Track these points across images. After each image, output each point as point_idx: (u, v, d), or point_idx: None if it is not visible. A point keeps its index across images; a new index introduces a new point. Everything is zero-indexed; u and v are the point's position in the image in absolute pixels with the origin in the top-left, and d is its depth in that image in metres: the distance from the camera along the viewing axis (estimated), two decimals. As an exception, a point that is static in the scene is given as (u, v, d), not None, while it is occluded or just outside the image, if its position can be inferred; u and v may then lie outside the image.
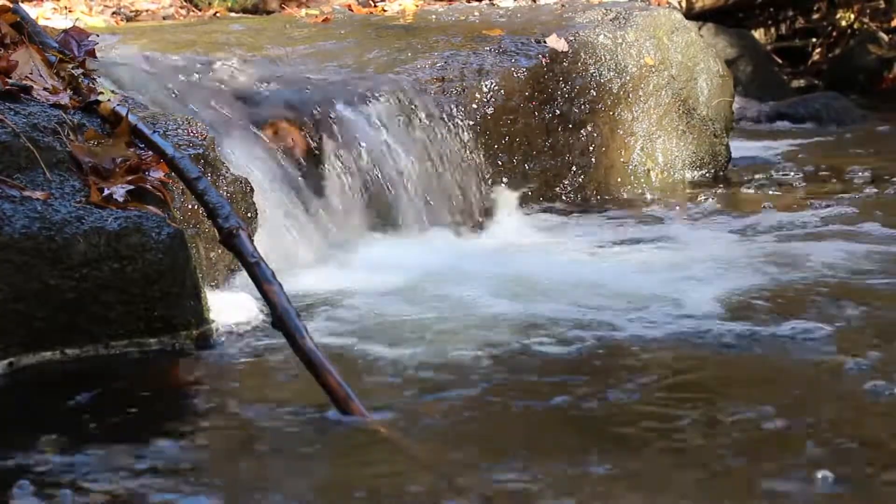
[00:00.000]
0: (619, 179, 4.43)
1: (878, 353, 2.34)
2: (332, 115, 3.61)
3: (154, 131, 2.74)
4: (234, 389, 2.33)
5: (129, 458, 1.89)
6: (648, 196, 4.41)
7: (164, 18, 6.35)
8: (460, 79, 4.01)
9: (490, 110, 4.01)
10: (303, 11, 5.90)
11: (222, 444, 2.01)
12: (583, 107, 4.32)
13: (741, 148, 5.47)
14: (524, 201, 4.07)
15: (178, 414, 2.14)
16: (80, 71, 2.99)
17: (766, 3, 10.13)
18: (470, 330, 2.65)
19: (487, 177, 3.96)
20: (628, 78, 4.48)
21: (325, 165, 3.51)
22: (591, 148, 4.33)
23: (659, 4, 5.18)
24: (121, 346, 2.44)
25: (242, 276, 2.69)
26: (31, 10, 3.96)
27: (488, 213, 3.94)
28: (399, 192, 3.66)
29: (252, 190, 3.05)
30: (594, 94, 4.36)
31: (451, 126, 3.87)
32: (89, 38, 3.23)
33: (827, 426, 1.99)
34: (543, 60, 4.23)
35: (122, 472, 1.83)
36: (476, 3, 5.60)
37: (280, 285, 2.30)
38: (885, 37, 9.46)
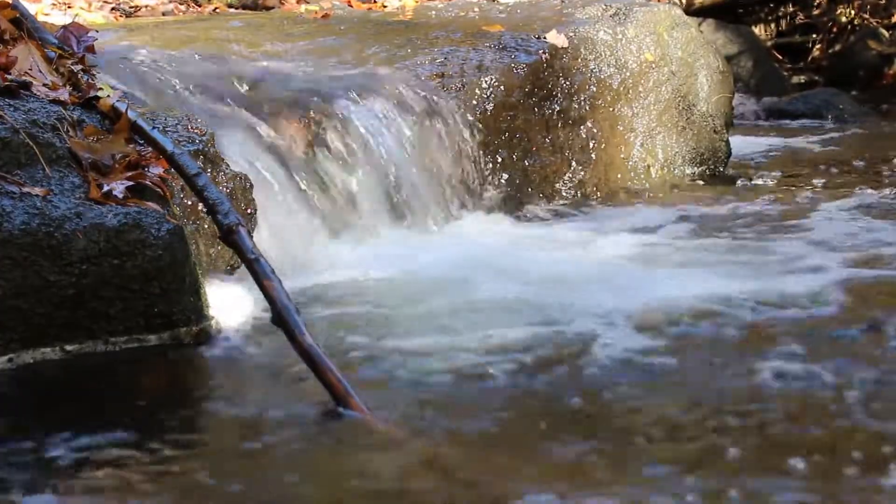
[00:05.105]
0: (619, 175, 4.43)
1: None
2: (331, 111, 3.60)
3: (154, 127, 2.74)
4: (234, 385, 2.33)
5: (128, 455, 1.89)
6: (648, 192, 4.41)
7: (163, 14, 6.33)
8: (460, 75, 4.01)
9: (490, 106, 4.01)
10: (302, 7, 5.89)
11: (222, 440, 2.02)
12: (583, 103, 4.32)
13: (741, 144, 5.46)
14: (522, 198, 4.07)
15: (177, 410, 2.14)
16: (79, 67, 2.98)
17: (766, -2, 10.12)
18: (468, 328, 2.65)
19: (486, 173, 3.96)
20: (628, 74, 4.47)
21: (325, 161, 3.51)
22: (590, 144, 4.33)
23: (659, 0, 5.18)
24: (120, 342, 2.45)
25: (242, 273, 2.69)
26: (30, 6, 3.95)
27: (486, 208, 3.93)
28: (399, 187, 3.65)
29: (252, 186, 3.05)
30: (594, 90, 4.36)
31: (451, 122, 3.87)
32: (88, 34, 3.23)
33: None
34: (543, 56, 4.23)
35: (122, 469, 1.83)
36: (476, -1, 5.58)
37: (280, 281, 2.31)
38: (885, 33, 9.44)
